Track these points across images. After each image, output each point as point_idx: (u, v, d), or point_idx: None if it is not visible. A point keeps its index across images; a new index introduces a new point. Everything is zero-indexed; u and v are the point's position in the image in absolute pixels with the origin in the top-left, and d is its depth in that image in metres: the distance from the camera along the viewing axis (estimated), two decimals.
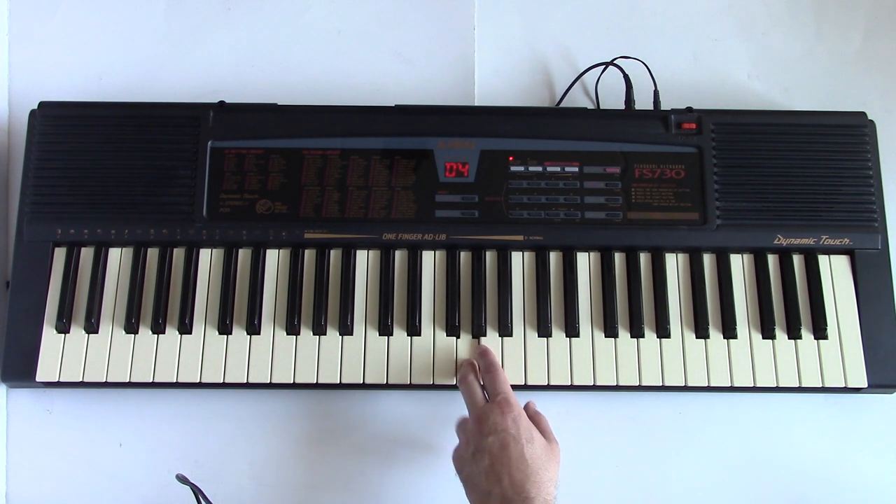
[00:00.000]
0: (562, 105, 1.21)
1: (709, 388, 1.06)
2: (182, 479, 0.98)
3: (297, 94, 1.19)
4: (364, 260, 1.09)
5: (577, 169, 1.11)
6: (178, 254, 1.09)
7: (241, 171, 1.10)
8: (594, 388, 1.05)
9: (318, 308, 1.07)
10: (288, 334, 1.06)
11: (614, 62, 1.20)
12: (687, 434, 1.09)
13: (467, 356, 1.05)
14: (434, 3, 1.26)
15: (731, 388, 1.06)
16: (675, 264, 1.10)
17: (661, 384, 1.05)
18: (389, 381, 1.05)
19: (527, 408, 0.98)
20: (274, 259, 1.09)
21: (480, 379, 1.00)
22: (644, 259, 1.10)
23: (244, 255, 1.10)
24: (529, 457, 0.89)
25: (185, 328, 1.06)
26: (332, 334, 1.06)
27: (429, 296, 1.08)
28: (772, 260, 1.10)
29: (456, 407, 1.08)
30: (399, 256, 1.10)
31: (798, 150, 1.12)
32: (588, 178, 1.11)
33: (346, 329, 1.06)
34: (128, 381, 1.04)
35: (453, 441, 1.08)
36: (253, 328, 1.06)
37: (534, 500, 0.86)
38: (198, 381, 1.04)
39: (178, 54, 1.23)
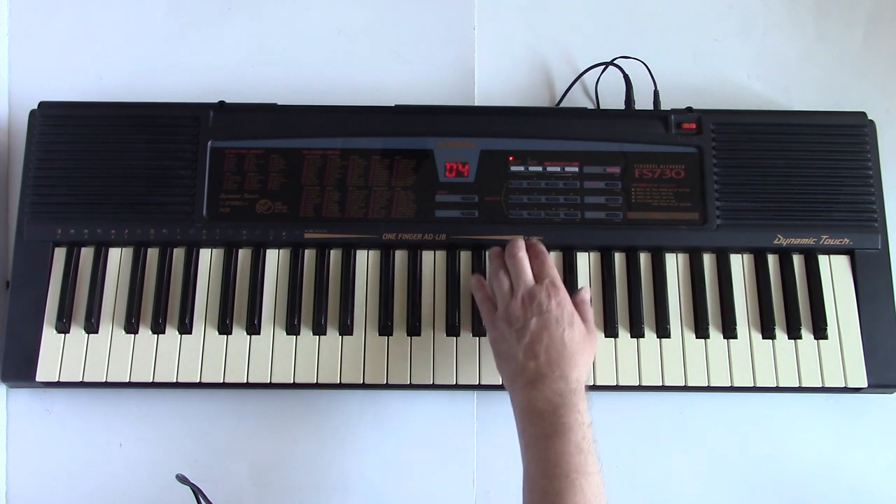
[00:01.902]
0: (562, 105, 1.21)
1: (709, 388, 1.06)
2: (182, 479, 0.98)
3: (297, 94, 1.18)
4: (364, 260, 1.09)
5: (577, 169, 1.11)
6: (178, 254, 1.09)
7: (241, 171, 1.10)
8: (594, 388, 1.05)
9: (318, 308, 1.07)
10: (288, 334, 1.06)
11: (614, 62, 1.20)
12: (687, 434, 1.09)
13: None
14: (434, 3, 1.26)
15: (731, 388, 1.06)
16: (675, 264, 1.10)
17: (661, 384, 1.05)
18: (389, 381, 1.05)
19: (578, 293, 1.00)
20: (274, 259, 1.09)
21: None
22: (644, 259, 1.10)
23: (244, 255, 1.10)
24: (568, 340, 0.93)
25: (185, 328, 1.06)
26: (332, 334, 1.06)
27: (429, 296, 1.08)
28: (772, 260, 1.10)
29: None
30: (399, 256, 1.10)
31: (798, 150, 1.12)
32: (588, 178, 1.11)
33: (346, 329, 1.06)
34: (128, 381, 1.04)
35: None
36: (253, 328, 1.06)
37: (567, 379, 0.91)
38: (198, 381, 1.04)
39: (178, 54, 1.23)
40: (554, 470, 0.85)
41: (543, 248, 1.02)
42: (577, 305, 0.99)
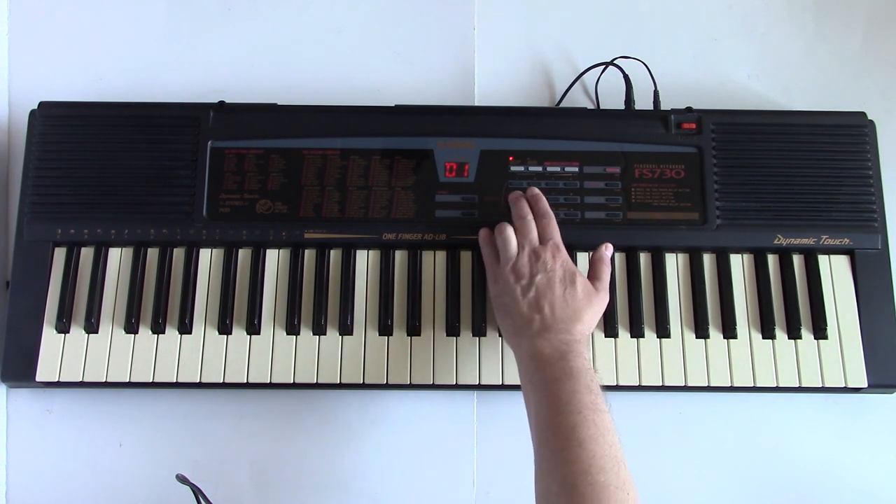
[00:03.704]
0: (562, 105, 1.21)
1: (709, 388, 1.06)
2: (182, 479, 0.98)
3: (297, 94, 1.18)
4: (364, 260, 1.09)
5: (577, 169, 1.11)
6: (178, 254, 1.09)
7: (241, 171, 1.10)
8: None
9: (318, 308, 1.07)
10: (288, 334, 1.06)
11: (614, 62, 1.20)
12: (687, 434, 1.09)
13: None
14: (434, 3, 1.26)
15: (731, 388, 1.06)
16: (675, 264, 1.10)
17: (661, 384, 1.05)
18: (389, 381, 1.05)
19: (598, 250, 1.06)
20: (274, 259, 1.09)
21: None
22: (644, 259, 1.10)
23: (244, 255, 1.10)
24: (570, 298, 0.98)
25: (185, 328, 1.06)
26: (332, 334, 1.06)
27: (429, 296, 1.08)
28: (772, 260, 1.10)
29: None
30: (399, 256, 1.10)
31: (798, 150, 1.12)
32: (588, 178, 1.11)
33: (346, 329, 1.06)
34: (128, 381, 1.04)
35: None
36: (253, 328, 1.06)
37: (570, 331, 0.96)
38: (198, 381, 1.04)
39: (178, 54, 1.23)
40: (566, 407, 0.88)
41: (548, 206, 1.06)
42: (595, 263, 1.05)
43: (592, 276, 1.03)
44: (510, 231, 1.04)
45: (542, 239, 1.03)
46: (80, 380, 1.04)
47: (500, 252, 1.04)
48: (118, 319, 1.07)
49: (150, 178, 1.10)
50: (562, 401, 0.88)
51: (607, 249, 1.06)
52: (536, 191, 1.08)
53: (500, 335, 1.06)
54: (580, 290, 0.99)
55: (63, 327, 1.06)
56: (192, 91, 1.19)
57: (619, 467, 0.84)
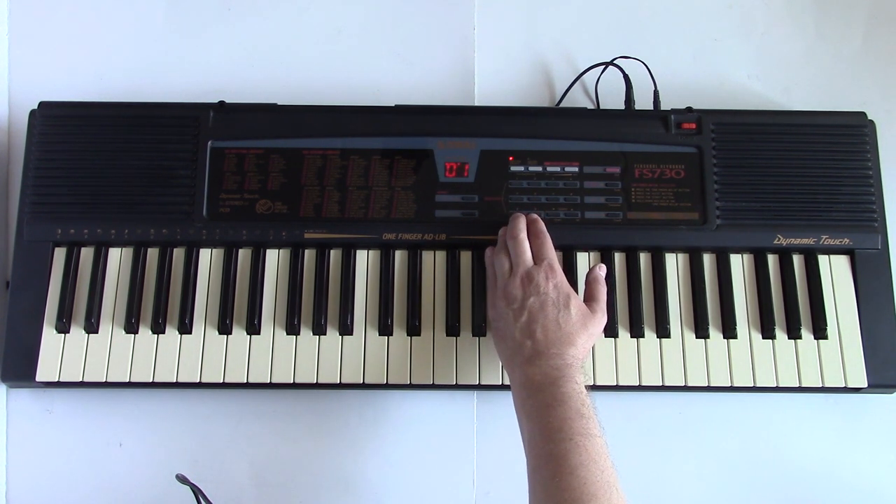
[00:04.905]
0: (562, 105, 1.21)
1: (709, 388, 1.06)
2: (182, 479, 0.98)
3: (297, 94, 1.18)
4: (364, 260, 1.09)
5: (577, 169, 1.11)
6: (178, 254, 1.09)
7: (241, 171, 1.10)
8: (594, 388, 1.05)
9: (318, 308, 1.07)
10: (288, 334, 1.06)
11: (614, 62, 1.20)
12: (687, 434, 1.09)
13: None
14: (434, 3, 1.26)
15: (731, 388, 1.06)
16: (675, 264, 1.10)
17: (661, 384, 1.05)
18: (389, 381, 1.05)
19: (592, 271, 1.04)
20: (274, 259, 1.09)
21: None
22: (644, 259, 1.10)
23: (244, 255, 1.10)
24: (563, 322, 0.96)
25: (185, 328, 1.06)
26: (332, 334, 1.06)
27: (429, 296, 1.08)
28: (772, 260, 1.10)
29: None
30: (399, 256, 1.10)
31: (798, 150, 1.12)
32: (588, 178, 1.11)
33: (346, 329, 1.06)
34: (128, 381, 1.04)
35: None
36: (253, 328, 1.06)
37: (563, 356, 0.94)
38: (198, 381, 1.04)
39: (178, 54, 1.23)
40: (557, 434, 0.87)
41: (543, 228, 1.04)
42: (590, 284, 1.03)
43: (588, 297, 1.02)
44: (503, 254, 1.03)
45: (537, 259, 1.01)
46: (80, 380, 1.04)
47: (496, 275, 1.03)
48: (118, 319, 1.07)
49: (150, 178, 1.10)
50: (553, 427, 0.88)
51: (601, 270, 1.04)
52: (534, 215, 1.07)
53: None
54: (574, 313, 0.97)
55: (63, 327, 1.06)
56: (192, 91, 1.19)
57: (611, 492, 0.84)
